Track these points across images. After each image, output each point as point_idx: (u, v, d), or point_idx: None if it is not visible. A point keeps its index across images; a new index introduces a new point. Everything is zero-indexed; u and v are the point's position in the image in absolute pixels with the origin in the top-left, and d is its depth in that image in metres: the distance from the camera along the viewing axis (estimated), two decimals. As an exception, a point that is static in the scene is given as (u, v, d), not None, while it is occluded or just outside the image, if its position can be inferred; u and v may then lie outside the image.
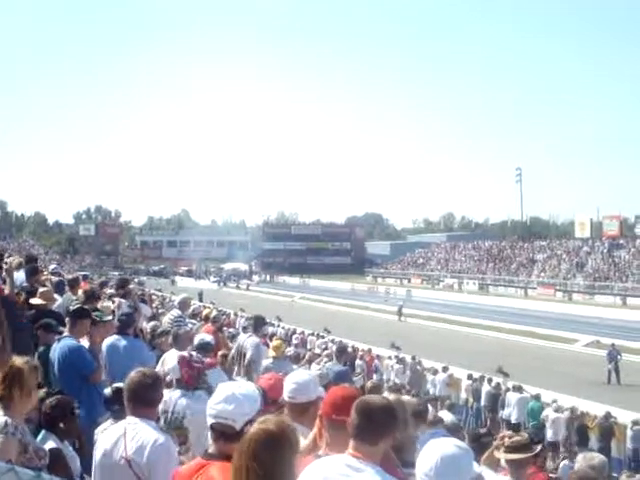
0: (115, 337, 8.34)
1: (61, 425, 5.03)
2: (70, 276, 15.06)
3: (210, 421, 3.47)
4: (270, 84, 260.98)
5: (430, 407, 14.97)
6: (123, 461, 4.23)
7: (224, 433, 3.40)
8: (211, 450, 3.49)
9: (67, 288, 11.76)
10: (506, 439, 6.28)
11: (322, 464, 3.28)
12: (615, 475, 13.65)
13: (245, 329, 12.75)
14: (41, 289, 9.41)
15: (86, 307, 7.80)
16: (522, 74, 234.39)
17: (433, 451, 3.04)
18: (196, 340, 8.01)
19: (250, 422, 3.30)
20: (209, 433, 3.56)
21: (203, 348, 7.59)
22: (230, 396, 3.45)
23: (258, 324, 11.56)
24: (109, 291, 13.36)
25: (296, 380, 4.37)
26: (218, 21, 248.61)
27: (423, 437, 4.51)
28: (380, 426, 3.26)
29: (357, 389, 4.19)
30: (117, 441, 4.31)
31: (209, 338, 8.09)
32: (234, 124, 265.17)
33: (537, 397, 21.94)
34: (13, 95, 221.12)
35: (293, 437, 2.93)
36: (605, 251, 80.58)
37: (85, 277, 20.37)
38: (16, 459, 3.90)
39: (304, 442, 3.79)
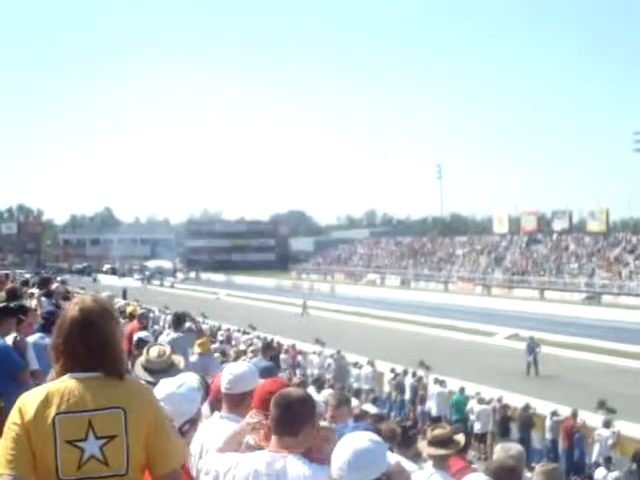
0: (39, 335, 8.30)
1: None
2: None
3: None
4: (189, 82, 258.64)
5: (356, 400, 15.20)
6: None
7: None
8: None
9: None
10: (429, 432, 6.40)
11: (246, 462, 3.35)
12: (534, 465, 13.93)
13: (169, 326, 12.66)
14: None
15: (12, 306, 7.73)
16: (442, 72, 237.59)
17: (346, 445, 3.06)
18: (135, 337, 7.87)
19: (189, 421, 3.29)
20: None
21: (140, 346, 7.47)
22: (169, 395, 3.48)
23: (178, 321, 11.50)
24: (31, 290, 13.17)
25: (232, 372, 4.39)
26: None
27: (346, 429, 4.56)
28: (299, 417, 3.33)
29: (286, 382, 4.25)
30: None
31: (143, 334, 7.94)
32: (155, 121, 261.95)
33: (461, 390, 22.24)
34: None
35: (112, 309, 2.94)
36: (523, 246, 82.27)
37: (6, 276, 19.98)
38: None
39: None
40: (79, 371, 2.75)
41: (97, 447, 2.65)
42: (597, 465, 16.55)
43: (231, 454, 3.55)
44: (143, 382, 5.73)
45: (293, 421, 3.32)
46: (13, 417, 2.67)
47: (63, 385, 2.71)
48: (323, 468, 3.22)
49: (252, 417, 3.75)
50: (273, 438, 3.35)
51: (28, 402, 2.68)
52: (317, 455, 3.38)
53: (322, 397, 8.46)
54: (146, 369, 5.73)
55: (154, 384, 5.77)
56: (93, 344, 2.76)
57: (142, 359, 5.91)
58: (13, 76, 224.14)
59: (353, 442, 3.06)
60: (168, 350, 5.91)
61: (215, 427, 4.17)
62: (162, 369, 5.63)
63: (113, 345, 2.82)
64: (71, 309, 2.83)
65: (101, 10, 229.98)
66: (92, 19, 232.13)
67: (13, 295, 9.77)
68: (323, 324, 47.13)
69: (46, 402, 2.66)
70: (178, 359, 5.94)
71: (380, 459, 3.07)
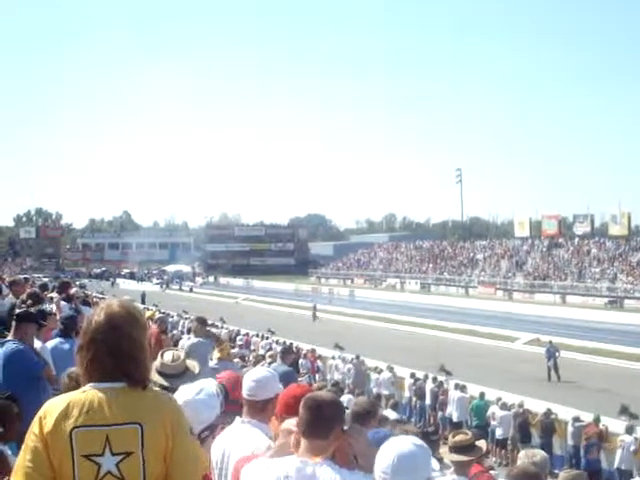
0: (58, 340, 8.29)
1: (1, 429, 4.92)
2: (11, 279, 14.83)
3: None
4: (207, 83, 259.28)
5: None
6: None
7: None
8: None
9: (8, 291, 11.61)
10: (450, 438, 6.34)
11: (276, 467, 3.27)
12: (557, 472, 13.79)
13: (189, 331, 12.68)
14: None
15: (32, 311, 7.70)
16: (460, 75, 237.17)
17: (390, 449, 3.01)
18: None
19: (208, 428, 3.26)
20: None
21: None
22: (188, 402, 3.47)
23: (199, 327, 11.45)
24: (50, 294, 13.18)
25: (255, 378, 4.37)
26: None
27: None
28: (330, 419, 3.27)
29: (310, 388, 4.20)
30: None
31: None
32: (174, 124, 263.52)
33: (481, 395, 22.09)
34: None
35: (139, 314, 2.89)
36: (544, 250, 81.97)
37: (25, 280, 20.03)
38: None
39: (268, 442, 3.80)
40: (102, 379, 2.71)
41: (113, 463, 2.62)
42: (626, 475, 16.38)
43: (262, 459, 3.49)
44: (158, 389, 5.81)
45: (324, 424, 3.26)
46: (34, 427, 2.65)
47: (84, 396, 2.68)
48: (353, 474, 3.18)
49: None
50: (302, 442, 3.28)
51: (49, 413, 2.65)
52: (339, 457, 3.32)
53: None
54: (160, 373, 5.79)
55: (169, 388, 5.89)
56: (117, 350, 2.71)
57: (157, 363, 5.97)
58: (29, 79, 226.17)
59: (397, 446, 3.01)
60: (182, 355, 5.93)
61: (237, 432, 4.15)
62: (176, 373, 5.67)
63: (138, 352, 2.78)
64: (97, 313, 2.79)
65: (121, 16, 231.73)
66: (100, 23, 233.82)
67: (36, 299, 9.73)
68: (342, 328, 47.12)
69: (65, 414, 2.62)
70: (192, 364, 5.96)
71: (424, 464, 3.03)
